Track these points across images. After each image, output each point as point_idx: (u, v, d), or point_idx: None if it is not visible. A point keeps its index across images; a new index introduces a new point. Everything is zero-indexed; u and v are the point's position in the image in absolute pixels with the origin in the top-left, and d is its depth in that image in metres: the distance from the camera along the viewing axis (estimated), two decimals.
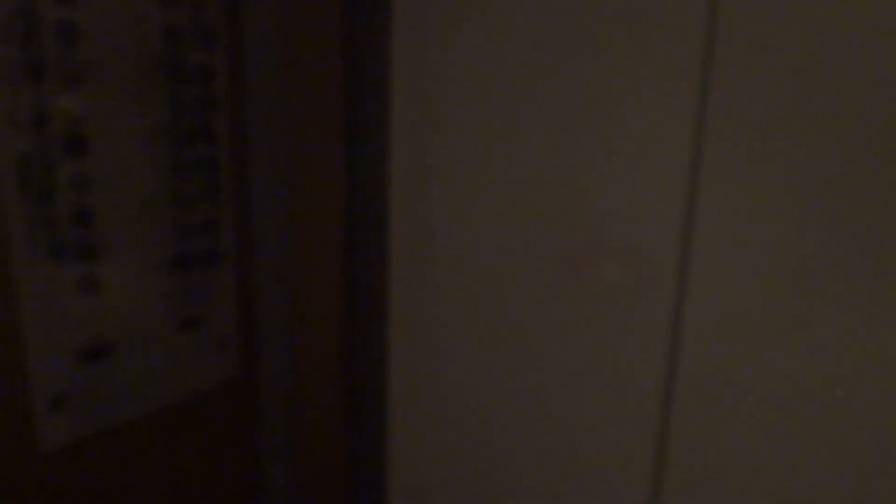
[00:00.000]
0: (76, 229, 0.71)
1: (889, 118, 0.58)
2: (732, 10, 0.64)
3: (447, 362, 0.90)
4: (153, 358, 0.82)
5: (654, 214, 0.71)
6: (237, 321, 0.91)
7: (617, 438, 0.78)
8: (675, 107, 0.68)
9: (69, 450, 0.76)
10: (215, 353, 0.89)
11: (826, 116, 0.61)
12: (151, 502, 0.86)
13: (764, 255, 0.66)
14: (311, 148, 0.87)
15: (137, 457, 0.83)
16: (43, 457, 0.74)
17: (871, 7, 0.58)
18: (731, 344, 0.69)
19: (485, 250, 0.83)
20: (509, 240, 0.81)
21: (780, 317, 0.66)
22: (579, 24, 0.72)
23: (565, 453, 0.83)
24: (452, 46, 0.81)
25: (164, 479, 0.87)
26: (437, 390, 0.92)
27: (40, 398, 0.72)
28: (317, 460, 0.98)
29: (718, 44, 0.65)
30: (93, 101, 0.71)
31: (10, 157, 0.66)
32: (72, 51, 0.68)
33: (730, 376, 0.70)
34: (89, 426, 0.77)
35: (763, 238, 0.66)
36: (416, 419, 0.95)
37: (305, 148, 0.87)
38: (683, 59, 0.66)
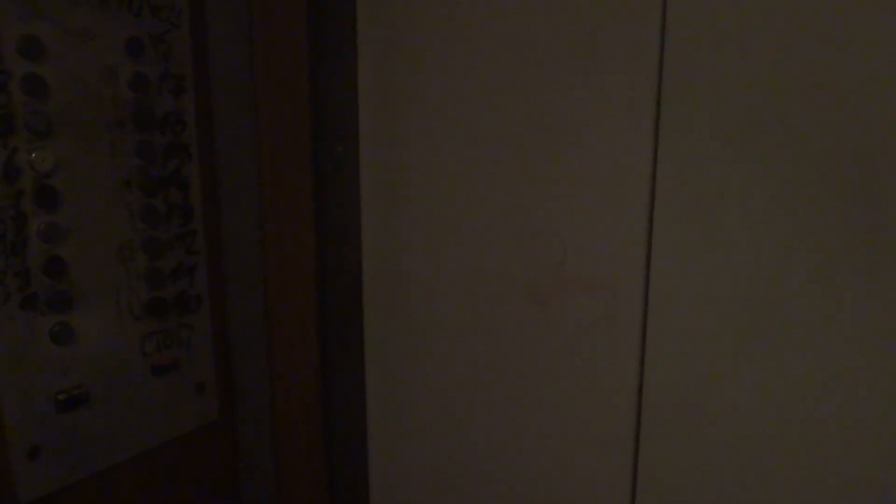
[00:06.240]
0: (49, 279, 0.72)
1: (842, 143, 0.60)
2: (679, 42, 0.66)
3: (424, 398, 0.91)
4: (131, 404, 0.82)
5: (618, 245, 0.72)
6: (215, 364, 0.92)
7: (590, 466, 0.79)
8: (632, 138, 0.69)
9: (49, 499, 0.76)
10: (193, 397, 0.89)
11: (778, 142, 0.62)
12: None
13: (724, 277, 0.67)
14: (282, 191, 0.88)
15: (117, 503, 0.83)
16: None
17: (812, 29, 0.60)
18: (697, 369, 0.70)
19: (454, 285, 0.84)
20: (478, 276, 0.82)
21: (742, 340, 0.67)
22: (538, 61, 0.74)
23: (540, 482, 0.83)
24: (415, 87, 0.83)
25: None
26: (416, 426, 0.92)
27: (17, 449, 0.72)
28: (298, 498, 0.98)
29: (666, 75, 0.67)
30: (63, 152, 0.72)
31: None
32: (41, 104, 0.70)
33: (697, 401, 0.71)
34: (68, 475, 0.77)
35: (722, 261, 0.67)
36: (396, 454, 0.95)
37: (276, 191, 0.88)
38: (638, 90, 0.68)
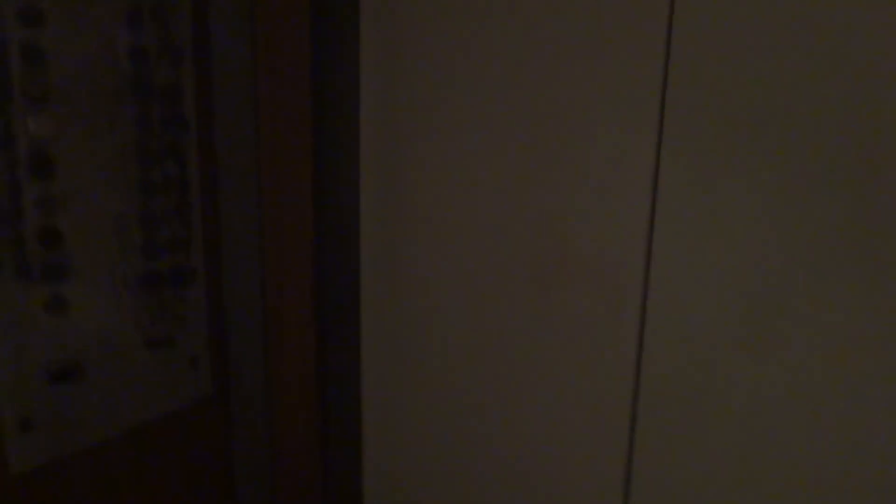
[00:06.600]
0: (44, 249, 0.71)
1: (845, 140, 0.60)
2: (686, 38, 0.65)
3: (420, 380, 0.91)
4: (124, 377, 0.82)
5: (619, 234, 0.72)
6: (209, 339, 0.91)
7: (587, 452, 0.79)
8: (636, 130, 0.69)
9: (40, 471, 0.76)
10: (187, 372, 0.89)
11: (781, 138, 0.62)
12: None
13: (724, 270, 0.67)
14: (280, 165, 0.88)
15: (110, 477, 0.83)
16: (13, 479, 0.73)
17: (816, 29, 0.60)
18: (695, 361, 0.70)
19: (455, 271, 0.84)
20: (480, 261, 0.82)
21: (741, 333, 0.67)
22: (544, 52, 0.73)
23: (537, 468, 0.83)
24: (420, 73, 0.82)
25: (137, 499, 0.86)
26: (411, 408, 0.92)
27: (9, 420, 0.72)
28: (292, 477, 0.98)
29: (672, 71, 0.67)
30: (60, 121, 0.71)
31: None
32: (38, 73, 0.69)
33: (695, 389, 0.71)
34: (60, 447, 0.77)
35: (723, 254, 0.67)
36: (390, 435, 0.96)
37: (274, 165, 0.88)
38: (643, 84, 0.68)
